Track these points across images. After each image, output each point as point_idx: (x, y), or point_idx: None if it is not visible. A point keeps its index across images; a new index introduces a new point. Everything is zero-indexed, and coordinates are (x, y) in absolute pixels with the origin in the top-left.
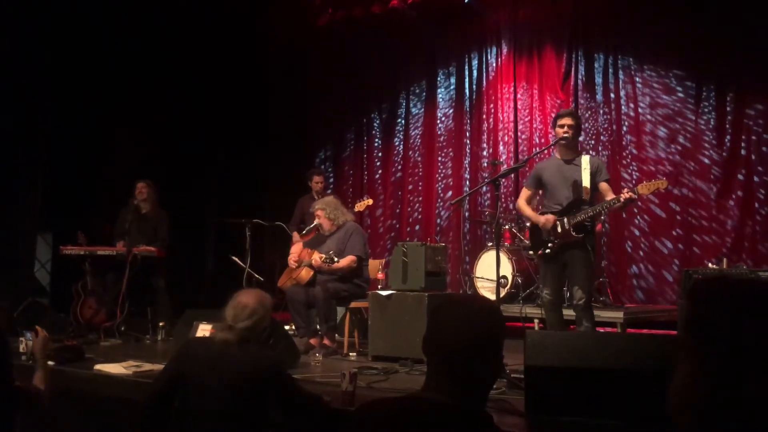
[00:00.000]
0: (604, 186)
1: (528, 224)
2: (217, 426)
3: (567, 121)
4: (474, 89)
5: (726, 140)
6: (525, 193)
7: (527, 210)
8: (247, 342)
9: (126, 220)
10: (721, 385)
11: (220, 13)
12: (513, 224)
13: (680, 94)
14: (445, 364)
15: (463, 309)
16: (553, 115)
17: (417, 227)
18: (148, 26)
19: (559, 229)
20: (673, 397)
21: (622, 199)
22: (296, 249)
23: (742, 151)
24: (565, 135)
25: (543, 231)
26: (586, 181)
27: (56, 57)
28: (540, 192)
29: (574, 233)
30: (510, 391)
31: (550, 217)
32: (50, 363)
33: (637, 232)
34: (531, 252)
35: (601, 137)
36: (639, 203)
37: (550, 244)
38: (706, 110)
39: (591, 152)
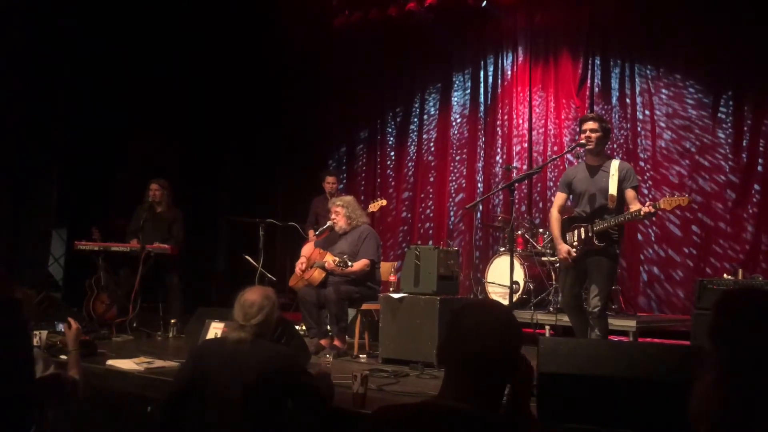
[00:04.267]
0: (630, 194)
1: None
2: (233, 424)
3: (589, 125)
4: (489, 93)
5: (743, 150)
6: (558, 198)
7: (554, 224)
8: (261, 337)
9: (141, 217)
10: (745, 394)
11: (236, 14)
12: (525, 230)
13: (697, 104)
14: (465, 370)
15: (480, 316)
16: (567, 121)
17: (429, 228)
18: (164, 26)
19: (583, 236)
20: (695, 406)
21: (642, 213)
22: (307, 250)
23: (759, 165)
24: (581, 141)
25: (567, 237)
26: (612, 188)
27: (72, 55)
28: (571, 197)
29: (596, 242)
30: None
31: (570, 252)
32: (62, 357)
33: (650, 241)
34: (556, 257)
35: (616, 145)
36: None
37: (573, 251)
38: (722, 120)
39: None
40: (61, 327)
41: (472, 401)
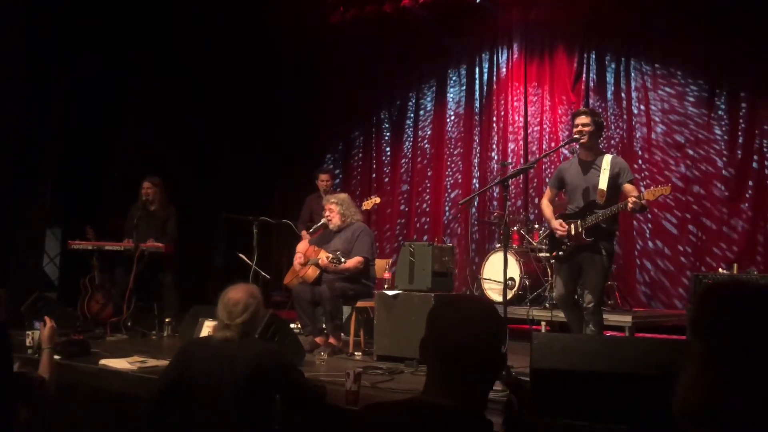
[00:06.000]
0: (628, 187)
1: (539, 226)
2: (222, 423)
3: (580, 120)
4: (484, 89)
5: (738, 144)
6: (547, 193)
7: (547, 212)
8: (248, 336)
9: (134, 216)
10: (725, 388)
11: (231, 12)
12: (521, 226)
13: (693, 100)
14: (446, 367)
15: (462, 311)
16: (563, 116)
17: (425, 222)
18: (159, 24)
19: (573, 232)
20: (677, 400)
21: (628, 207)
22: (302, 247)
23: (754, 161)
24: (576, 136)
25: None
26: (602, 183)
27: (66, 54)
28: (564, 192)
29: (585, 237)
30: None
31: (563, 225)
32: (56, 357)
33: (646, 236)
34: (548, 253)
35: (613, 142)
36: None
37: (563, 246)
38: (718, 114)
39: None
40: (38, 326)
41: (456, 397)
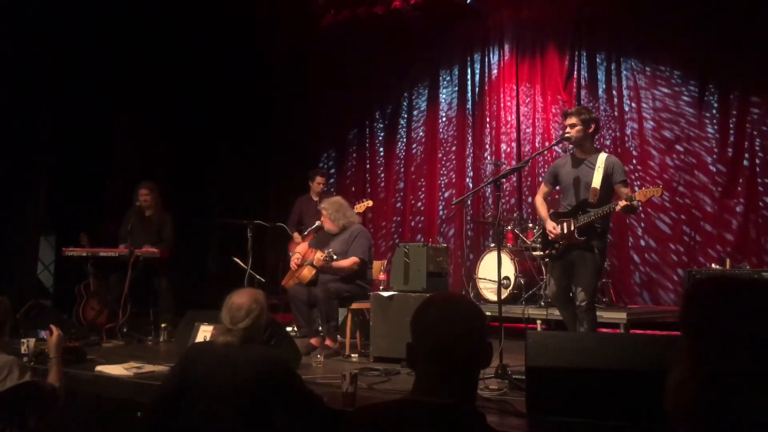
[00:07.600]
0: (621, 189)
1: (533, 224)
2: (223, 428)
3: (569, 120)
4: (476, 89)
5: (729, 140)
6: (542, 189)
7: (542, 210)
8: (250, 341)
9: (130, 221)
10: (713, 384)
11: (224, 15)
12: (515, 225)
13: (684, 97)
14: (434, 367)
15: (442, 311)
16: (556, 115)
17: (420, 225)
18: (152, 27)
19: (565, 231)
20: (668, 396)
21: (618, 208)
22: (302, 248)
23: (745, 159)
24: (567, 135)
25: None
26: (596, 182)
27: (58, 58)
28: (558, 188)
29: (577, 236)
30: (511, 392)
31: (556, 227)
32: None
33: (639, 233)
34: (541, 252)
35: (608, 141)
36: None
37: (556, 245)
38: (709, 110)
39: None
40: (43, 335)
41: (445, 394)
